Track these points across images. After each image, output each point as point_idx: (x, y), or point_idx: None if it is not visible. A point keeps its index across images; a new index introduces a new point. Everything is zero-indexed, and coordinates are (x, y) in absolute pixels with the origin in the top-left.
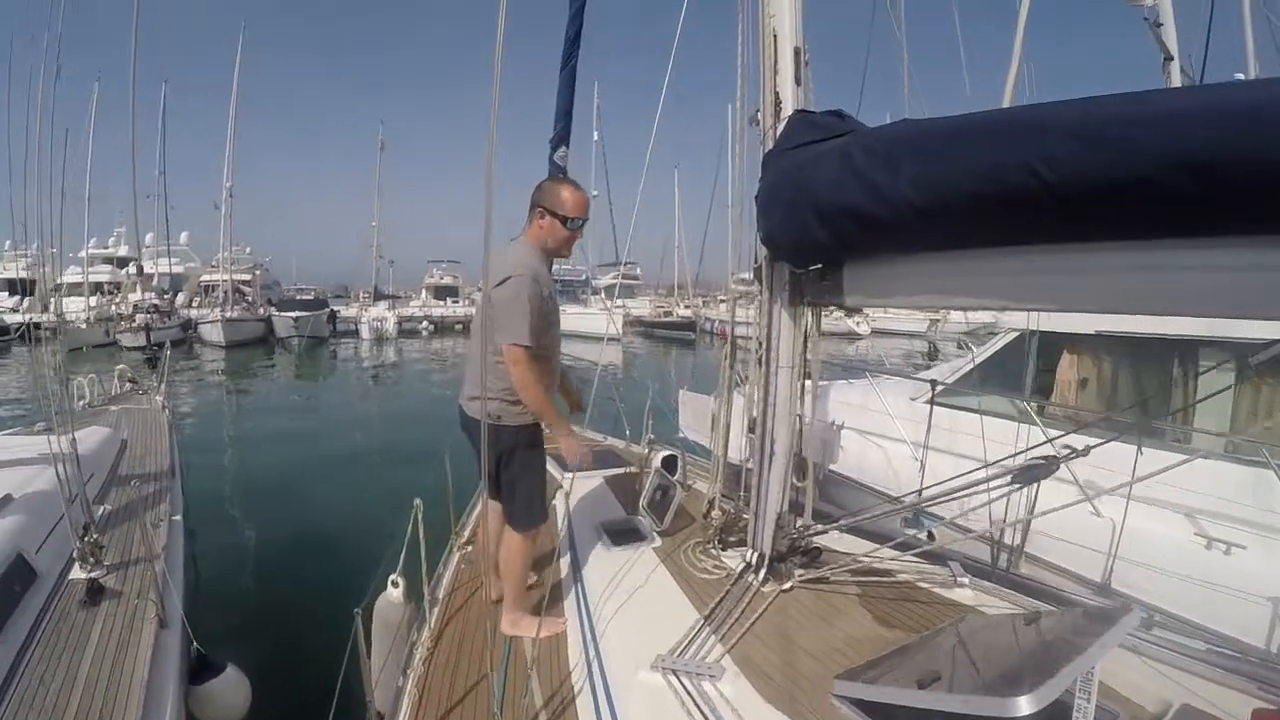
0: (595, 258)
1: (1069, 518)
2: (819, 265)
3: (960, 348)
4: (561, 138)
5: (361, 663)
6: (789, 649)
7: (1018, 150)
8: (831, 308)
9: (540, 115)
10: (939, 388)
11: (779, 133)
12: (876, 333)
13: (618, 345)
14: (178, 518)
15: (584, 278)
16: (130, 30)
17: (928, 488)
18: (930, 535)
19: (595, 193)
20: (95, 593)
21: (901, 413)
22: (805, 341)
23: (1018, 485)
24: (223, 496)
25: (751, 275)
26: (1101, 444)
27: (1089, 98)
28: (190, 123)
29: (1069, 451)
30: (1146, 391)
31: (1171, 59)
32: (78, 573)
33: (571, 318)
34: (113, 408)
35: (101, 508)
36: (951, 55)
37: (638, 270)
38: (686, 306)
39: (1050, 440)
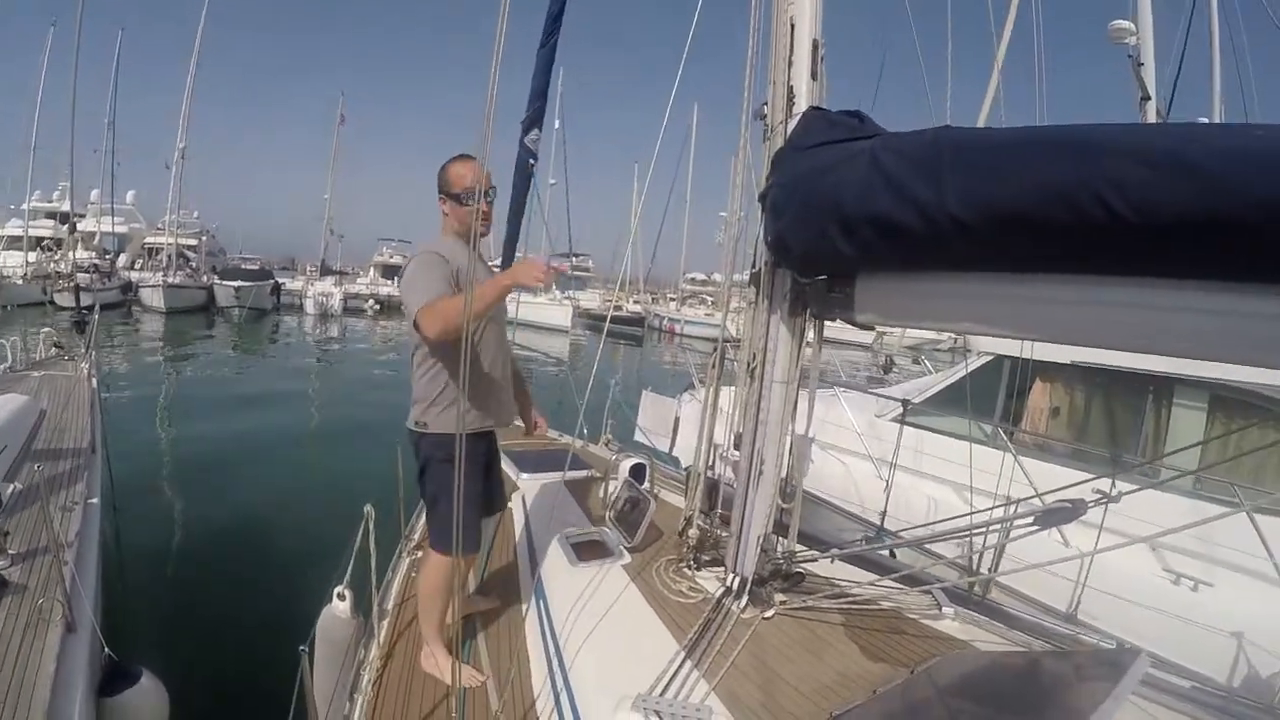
0: (550, 247)
1: (1038, 547)
2: (827, 275)
3: (915, 363)
4: (534, 120)
5: (307, 697)
6: (778, 685)
7: (1090, 173)
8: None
9: (509, 94)
10: (910, 407)
11: (790, 129)
12: (826, 341)
13: (565, 337)
14: (94, 500)
15: None
16: None
17: (930, 524)
18: (892, 553)
19: (553, 181)
20: None
21: (867, 430)
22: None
23: (1037, 528)
24: (150, 479)
25: (705, 277)
26: (1135, 491)
27: (1166, 124)
28: (147, 77)
29: (1101, 496)
30: (1118, 424)
31: (1149, 98)
32: None
33: (521, 307)
34: (34, 374)
35: (10, 486)
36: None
37: (589, 263)
38: (635, 302)
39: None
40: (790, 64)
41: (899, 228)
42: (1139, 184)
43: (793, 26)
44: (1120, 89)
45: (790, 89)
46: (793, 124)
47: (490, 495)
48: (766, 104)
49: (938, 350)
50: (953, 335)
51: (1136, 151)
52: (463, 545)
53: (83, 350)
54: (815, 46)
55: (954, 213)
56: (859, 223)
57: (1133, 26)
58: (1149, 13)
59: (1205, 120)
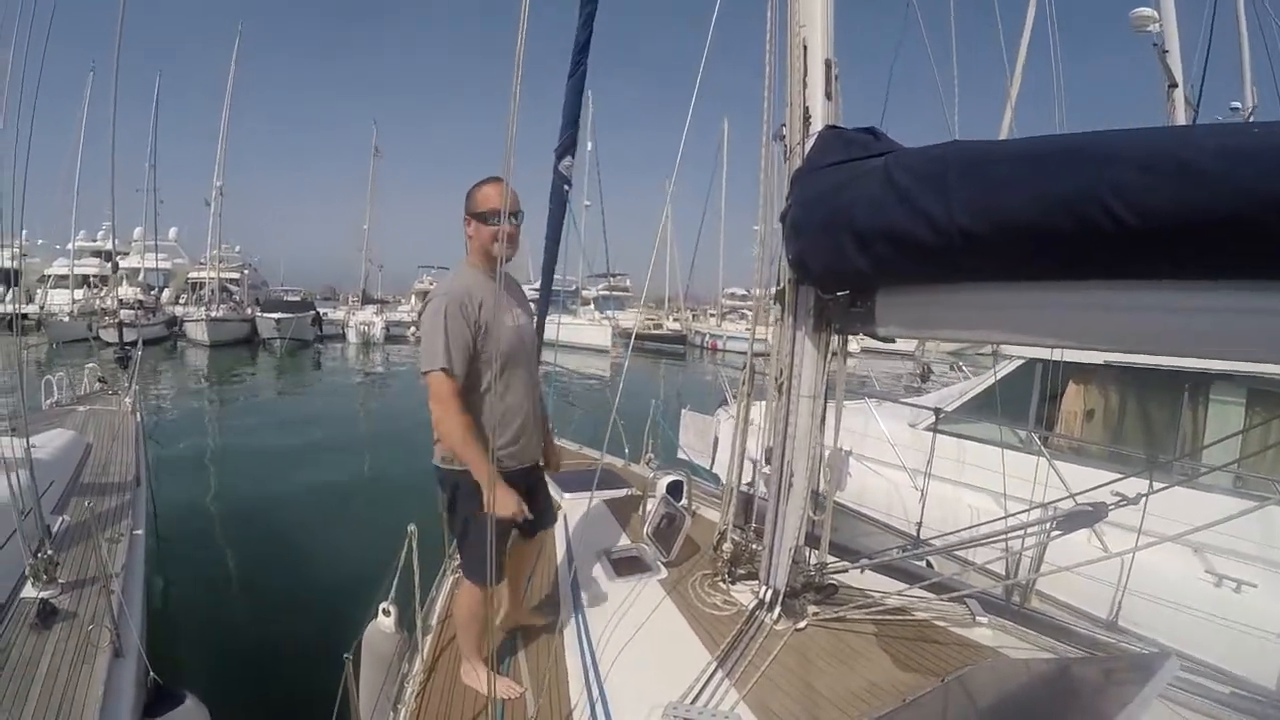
0: (586, 269)
1: (1076, 552)
2: (848, 291)
3: (953, 369)
4: (567, 147)
5: (351, 703)
6: (808, 695)
7: (1093, 180)
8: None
9: (543, 123)
10: (942, 415)
11: (807, 149)
12: (866, 351)
13: (606, 356)
14: (139, 532)
15: (574, 288)
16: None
17: (959, 530)
18: (928, 564)
19: (588, 203)
20: (48, 614)
21: (902, 440)
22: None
23: (1061, 532)
24: (194, 510)
25: (746, 292)
26: (1158, 491)
27: (1165, 128)
28: (184, 119)
29: (1119, 498)
30: (1155, 424)
31: (1176, 85)
32: (29, 591)
33: (561, 329)
34: (80, 408)
35: (59, 519)
36: (964, 78)
37: (627, 282)
38: (675, 319)
39: (1101, 484)
40: (805, 85)
41: (912, 242)
42: (1139, 188)
43: (805, 48)
44: (1148, 78)
45: (806, 109)
46: (810, 144)
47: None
48: (785, 125)
49: (980, 355)
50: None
51: (1135, 156)
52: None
53: (126, 385)
54: (829, 66)
55: (963, 225)
56: (874, 238)
57: (1155, 14)
58: None
59: (1236, 105)
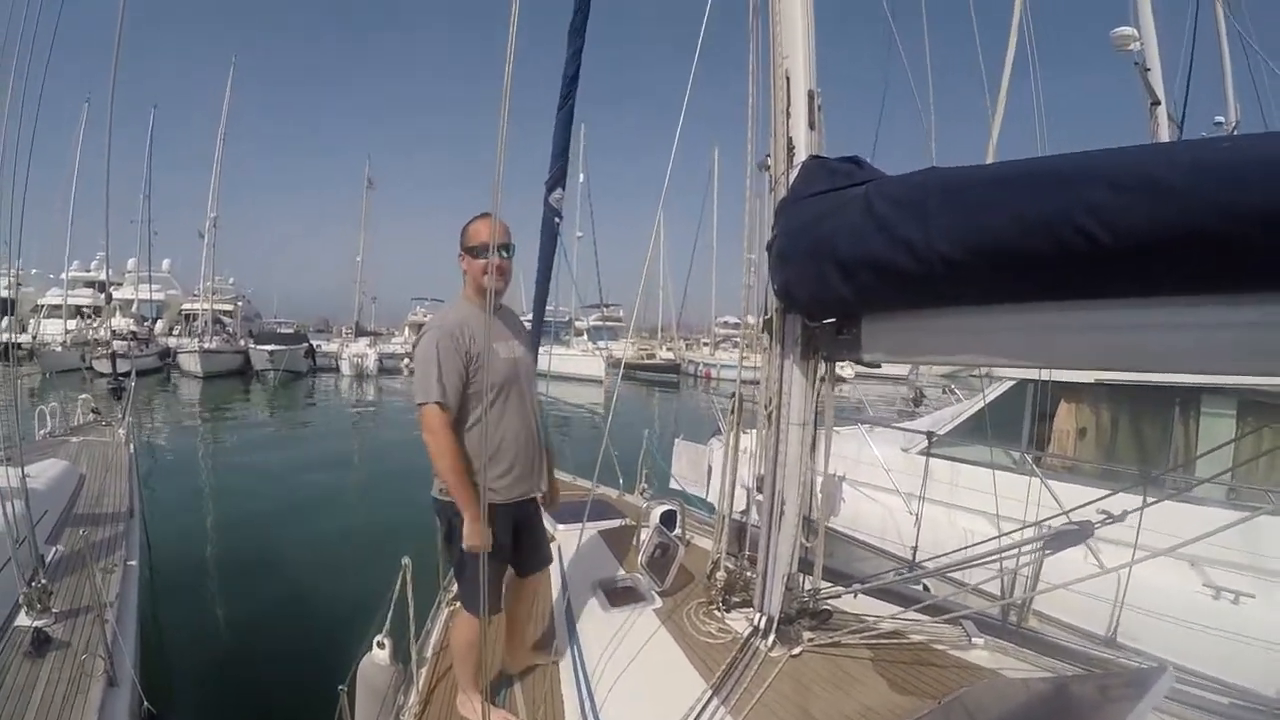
0: (578, 300)
1: (1072, 570)
2: (834, 319)
3: (945, 392)
4: (558, 179)
5: None
6: None
7: (1067, 202)
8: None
9: (533, 154)
10: (935, 439)
11: (792, 179)
12: (859, 377)
13: (599, 387)
14: (133, 563)
15: (566, 319)
16: (113, 48)
17: (951, 552)
18: (925, 588)
19: (580, 234)
20: (41, 643)
21: (895, 465)
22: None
23: (1050, 551)
24: (187, 542)
25: (739, 320)
26: (1149, 506)
27: (1137, 147)
28: (178, 150)
29: (1105, 516)
30: (1147, 441)
31: (1159, 103)
32: (24, 620)
33: (554, 359)
34: (73, 439)
35: (53, 549)
36: (947, 102)
37: (620, 312)
38: (669, 349)
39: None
40: (789, 116)
41: (894, 269)
42: (1112, 207)
43: (789, 79)
44: (1131, 96)
45: (790, 140)
46: (794, 174)
47: (524, 555)
48: (769, 155)
49: (973, 376)
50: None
51: (1107, 176)
52: (489, 607)
53: (120, 416)
54: (811, 97)
55: (942, 251)
56: (856, 267)
57: (1135, 32)
58: (1150, 16)
59: (1220, 119)
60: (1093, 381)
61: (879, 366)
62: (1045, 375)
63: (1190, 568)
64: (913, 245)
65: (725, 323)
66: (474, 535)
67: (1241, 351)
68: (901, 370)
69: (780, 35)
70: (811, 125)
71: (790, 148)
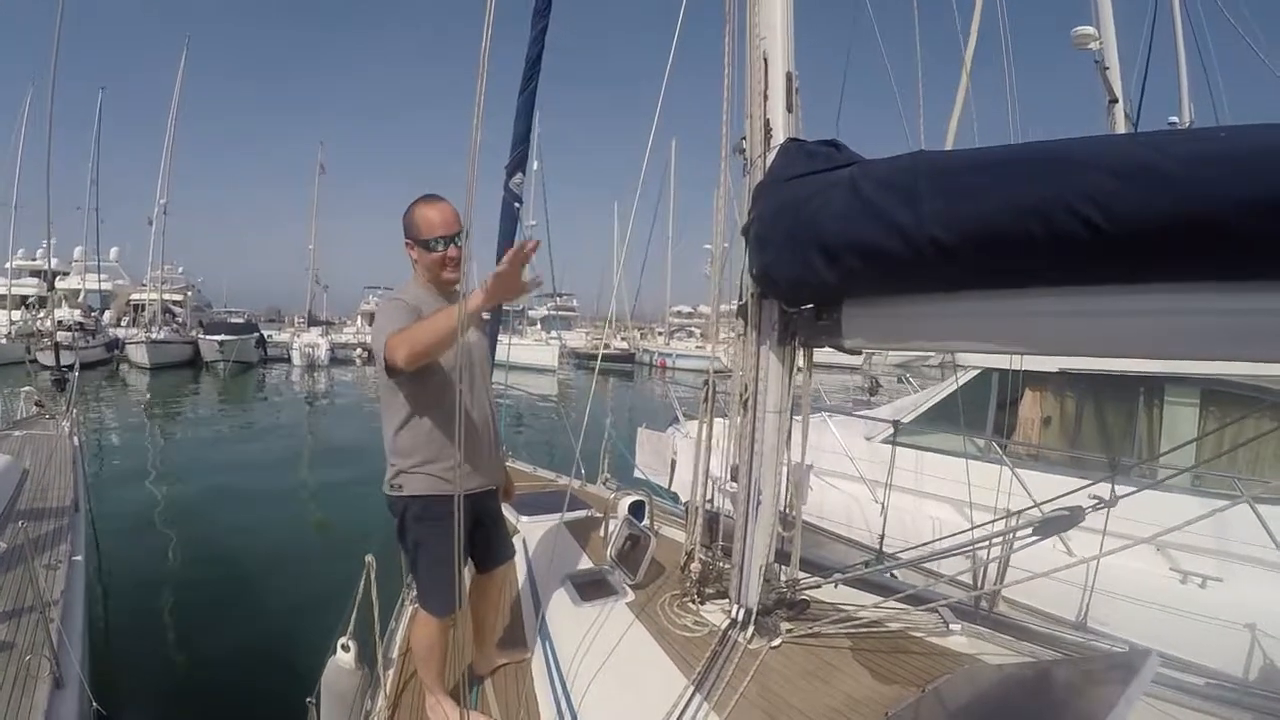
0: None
1: (1043, 557)
2: (813, 304)
3: (900, 381)
4: (518, 163)
5: None
6: (788, 714)
7: (1064, 187)
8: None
9: (490, 139)
10: (900, 427)
11: (769, 162)
12: (815, 366)
13: (553, 376)
14: (79, 558)
15: (520, 308)
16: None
17: (931, 541)
18: (892, 575)
19: (533, 222)
20: None
21: (859, 453)
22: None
23: (1038, 537)
24: (137, 536)
25: (692, 310)
26: (1132, 494)
27: (1134, 134)
28: (127, 136)
29: (1096, 500)
30: (1111, 429)
31: (1116, 101)
32: None
33: (507, 349)
34: (15, 433)
35: None
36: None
37: (574, 302)
38: (623, 338)
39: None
40: (766, 98)
41: (881, 253)
42: (1110, 195)
43: (766, 61)
44: (1089, 94)
45: (767, 122)
46: (771, 156)
47: (486, 550)
48: (745, 138)
49: (926, 367)
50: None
51: (1105, 163)
52: (448, 606)
53: (64, 409)
54: (789, 79)
55: (934, 235)
56: (841, 250)
57: (1095, 32)
58: (1110, 16)
59: (1175, 120)
60: (1057, 370)
61: (859, 353)
62: (1013, 364)
63: (1156, 552)
64: (903, 229)
65: (678, 312)
66: (506, 278)
67: (1239, 338)
68: (855, 360)
69: (759, 16)
70: (789, 108)
71: (768, 130)
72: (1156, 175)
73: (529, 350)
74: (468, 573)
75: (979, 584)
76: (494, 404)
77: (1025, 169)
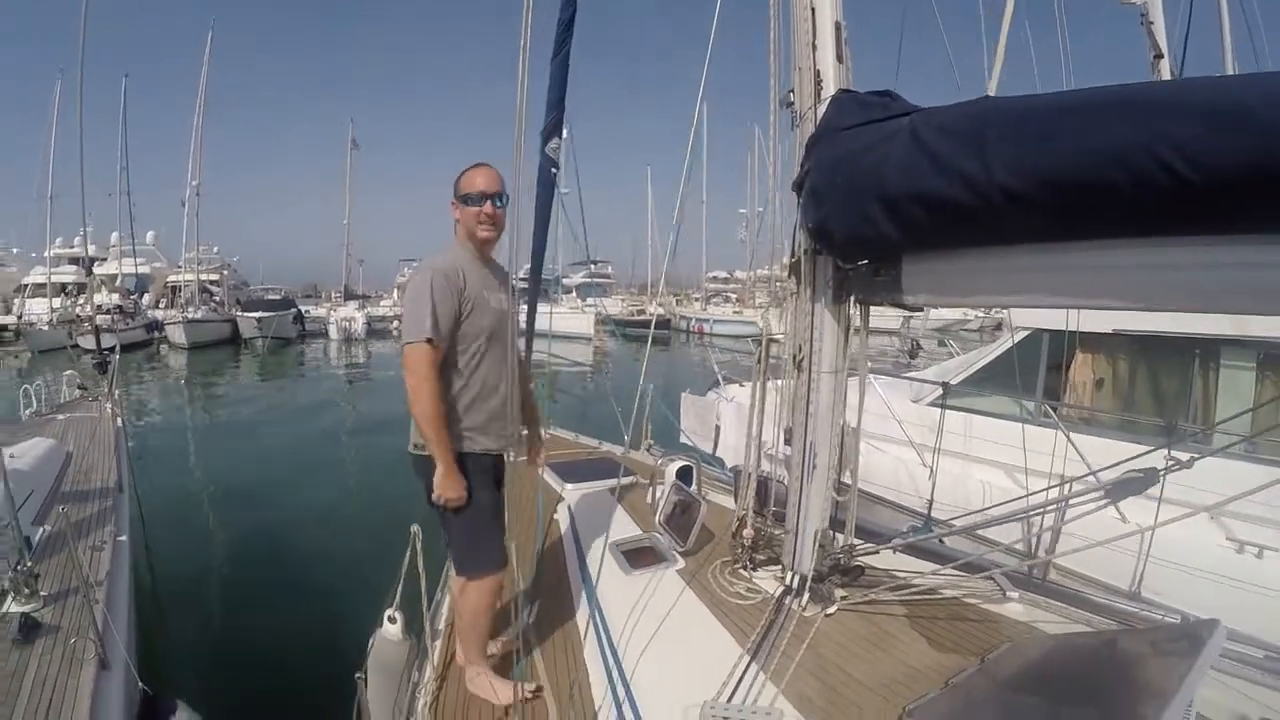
0: (565, 257)
1: (1096, 524)
2: (870, 259)
3: (941, 345)
4: (553, 129)
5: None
6: (847, 683)
7: (1145, 132)
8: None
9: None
10: (951, 388)
11: (819, 115)
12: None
13: (589, 344)
14: (123, 538)
15: (555, 276)
16: (81, 17)
17: (986, 508)
18: (940, 541)
19: (566, 190)
20: (30, 629)
21: (907, 416)
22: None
23: (1109, 500)
24: (181, 515)
25: (728, 275)
26: (1201, 457)
27: (1212, 77)
28: (158, 120)
29: (1174, 462)
30: (1165, 391)
31: (1162, 56)
32: (11, 606)
33: (543, 318)
34: (60, 417)
35: (40, 529)
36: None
37: (609, 269)
38: (659, 305)
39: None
40: (814, 49)
41: (946, 204)
42: (1194, 140)
43: (813, 10)
44: (1130, 49)
45: (817, 73)
46: (822, 109)
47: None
48: (792, 91)
49: (965, 330)
50: (983, 314)
51: (1189, 106)
52: (489, 563)
53: (106, 390)
54: (839, 29)
55: (1004, 184)
56: (904, 202)
57: None
58: None
59: (1220, 75)
60: (1110, 331)
61: (921, 310)
62: (1068, 325)
63: (1211, 521)
64: (969, 178)
65: (714, 277)
66: (447, 486)
67: None
68: (893, 323)
69: None
70: (840, 58)
71: (818, 81)
72: (1242, 118)
73: (565, 319)
74: None
75: (1034, 551)
76: (523, 372)
77: (1103, 113)
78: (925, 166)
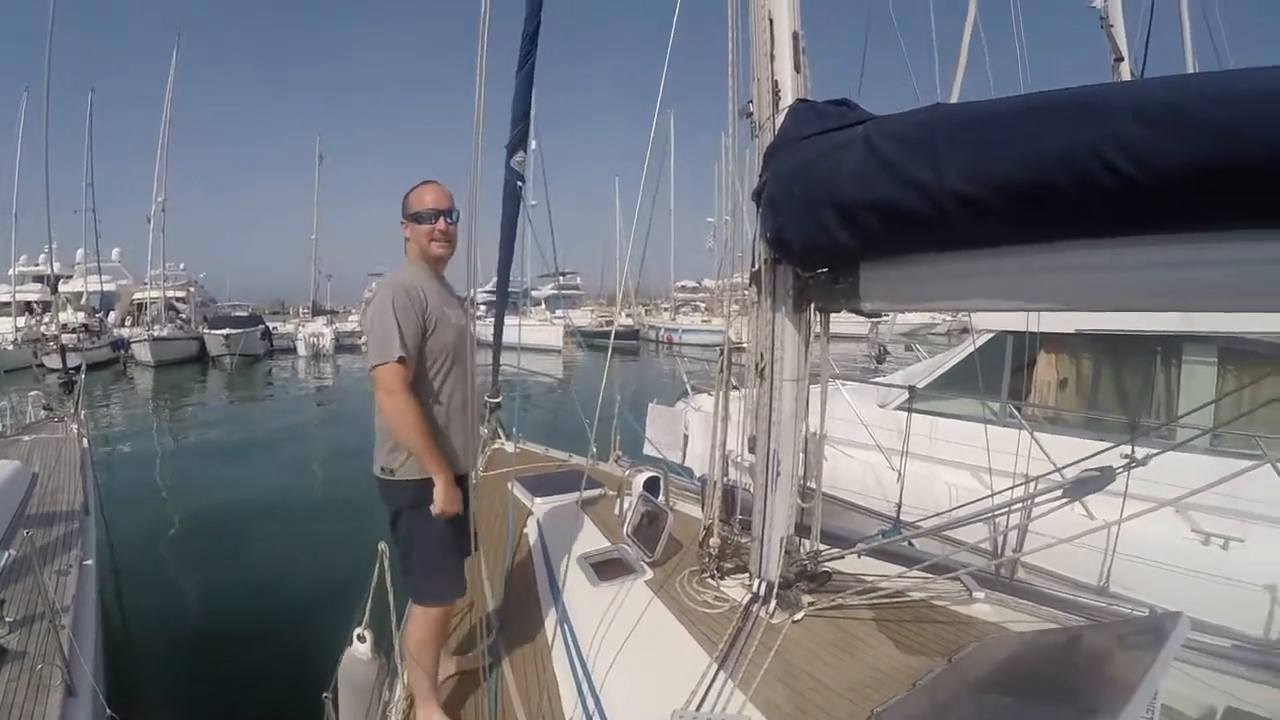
0: (533, 269)
1: (1063, 522)
2: (829, 267)
3: (908, 349)
4: (519, 142)
5: None
6: (815, 688)
7: (1093, 135)
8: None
9: (487, 121)
10: (917, 392)
11: (778, 124)
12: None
13: (558, 356)
14: (89, 562)
15: (523, 289)
16: (47, 34)
17: (958, 507)
18: (909, 544)
19: (534, 202)
20: None
21: (873, 420)
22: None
23: (1066, 500)
24: (149, 537)
25: (697, 284)
26: (1158, 453)
27: (1159, 78)
28: (123, 136)
29: (1127, 460)
30: (1129, 389)
31: (1122, 59)
32: None
33: (511, 329)
34: (25, 438)
35: (5, 554)
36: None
37: (578, 280)
38: (628, 315)
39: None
40: (772, 59)
41: (900, 211)
42: (1140, 141)
43: (771, 21)
44: (1092, 52)
45: (775, 84)
46: (780, 118)
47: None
48: (751, 101)
49: (933, 335)
50: (949, 318)
51: (1133, 108)
52: (449, 593)
53: (71, 411)
54: (796, 39)
55: (955, 189)
56: (858, 210)
57: None
58: None
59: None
60: (1073, 331)
61: (877, 316)
62: (1030, 325)
63: (1176, 514)
64: (922, 184)
65: (683, 286)
66: (450, 500)
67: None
68: (861, 329)
69: None
70: (797, 68)
71: (776, 91)
72: (1186, 117)
73: (534, 331)
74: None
75: (1000, 550)
76: (472, 391)
77: (1049, 118)
78: (879, 174)
